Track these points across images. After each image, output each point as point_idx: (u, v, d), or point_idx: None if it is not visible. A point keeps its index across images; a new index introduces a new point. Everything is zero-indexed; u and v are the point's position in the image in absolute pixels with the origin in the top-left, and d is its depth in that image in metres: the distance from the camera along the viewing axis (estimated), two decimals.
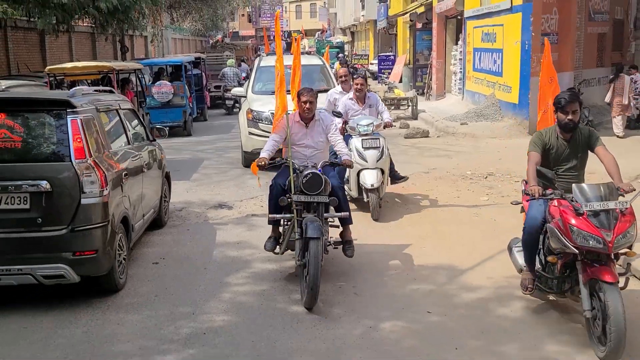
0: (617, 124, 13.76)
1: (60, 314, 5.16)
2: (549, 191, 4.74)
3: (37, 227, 4.96)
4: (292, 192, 5.56)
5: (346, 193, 7.43)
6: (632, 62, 17.01)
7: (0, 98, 5.72)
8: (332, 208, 5.81)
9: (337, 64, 21.23)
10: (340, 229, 6.09)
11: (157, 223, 7.47)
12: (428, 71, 22.74)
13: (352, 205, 7.52)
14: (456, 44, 21.05)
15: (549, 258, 4.79)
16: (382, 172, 8.04)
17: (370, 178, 7.87)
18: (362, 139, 8.05)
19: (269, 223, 5.96)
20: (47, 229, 4.96)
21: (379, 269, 6.28)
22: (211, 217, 8.28)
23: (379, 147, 8.05)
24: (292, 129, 6.07)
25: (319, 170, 5.62)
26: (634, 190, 4.58)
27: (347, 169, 7.44)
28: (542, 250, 4.99)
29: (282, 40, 39.00)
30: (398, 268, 6.35)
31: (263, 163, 5.78)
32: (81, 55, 26.34)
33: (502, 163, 11.16)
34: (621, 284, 4.43)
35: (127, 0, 16.69)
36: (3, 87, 10.45)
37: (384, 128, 8.40)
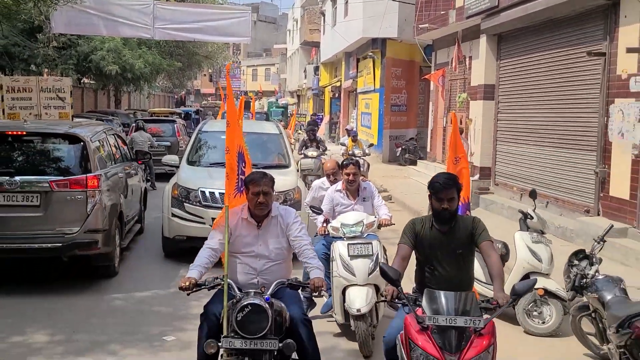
0: None
1: None
2: (403, 294, 3.81)
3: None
4: (225, 332, 4.04)
5: (332, 317, 6.19)
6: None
7: (154, 119, 18.80)
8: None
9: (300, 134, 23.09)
10: None
11: None
12: (338, 126, 36.15)
13: (336, 333, 6.33)
14: (354, 108, 34.36)
15: None
16: (377, 289, 5.95)
17: (357, 300, 5.77)
18: (348, 244, 6.14)
19: None
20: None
21: None
22: None
23: (372, 254, 6.06)
24: (237, 230, 4.50)
25: (267, 299, 4.01)
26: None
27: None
28: None
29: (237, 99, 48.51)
30: None
31: (187, 284, 4.13)
32: (88, 104, 38.22)
33: None
34: None
35: (145, 73, 29.45)
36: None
37: (379, 228, 6.66)
